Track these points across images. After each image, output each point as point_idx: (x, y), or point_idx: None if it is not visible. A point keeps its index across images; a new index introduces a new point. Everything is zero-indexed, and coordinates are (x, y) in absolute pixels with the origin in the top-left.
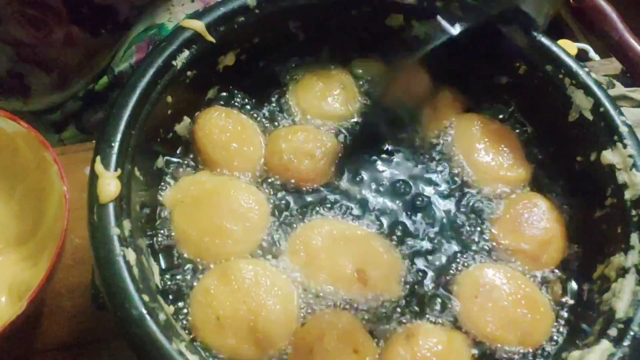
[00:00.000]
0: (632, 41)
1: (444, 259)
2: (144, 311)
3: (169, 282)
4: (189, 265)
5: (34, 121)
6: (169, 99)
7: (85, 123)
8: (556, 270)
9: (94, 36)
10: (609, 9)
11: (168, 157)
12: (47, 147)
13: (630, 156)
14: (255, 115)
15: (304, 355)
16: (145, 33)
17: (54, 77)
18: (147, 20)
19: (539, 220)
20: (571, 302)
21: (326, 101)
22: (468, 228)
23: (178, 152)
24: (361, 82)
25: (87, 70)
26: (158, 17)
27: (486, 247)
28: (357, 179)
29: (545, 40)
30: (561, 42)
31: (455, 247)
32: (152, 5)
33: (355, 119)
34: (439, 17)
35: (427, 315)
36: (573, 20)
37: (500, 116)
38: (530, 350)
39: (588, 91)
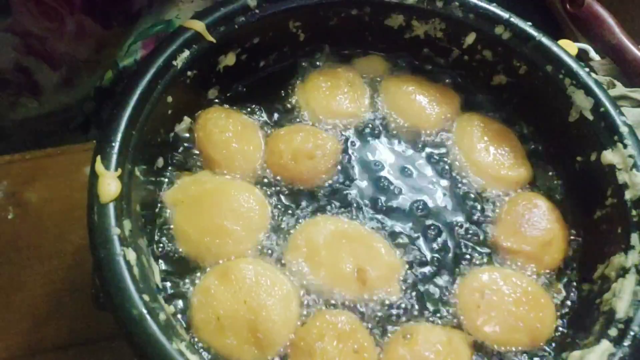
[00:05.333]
0: (630, 44)
1: (444, 260)
2: (144, 311)
3: (169, 282)
4: (189, 265)
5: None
6: (170, 99)
7: (101, 121)
8: (556, 271)
9: (105, 28)
10: (605, 14)
11: (168, 157)
12: None
13: (631, 156)
14: (255, 115)
15: (304, 355)
16: (152, 29)
17: (62, 73)
18: (154, 15)
19: (540, 221)
20: (571, 302)
21: (335, 100)
22: (469, 229)
23: (178, 152)
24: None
25: (94, 65)
26: (166, 13)
27: (487, 249)
28: (358, 179)
29: (545, 40)
30: (561, 42)
31: (455, 248)
32: None
33: (364, 118)
34: None
35: (427, 315)
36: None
37: (500, 116)
38: (534, 349)
39: (588, 91)
